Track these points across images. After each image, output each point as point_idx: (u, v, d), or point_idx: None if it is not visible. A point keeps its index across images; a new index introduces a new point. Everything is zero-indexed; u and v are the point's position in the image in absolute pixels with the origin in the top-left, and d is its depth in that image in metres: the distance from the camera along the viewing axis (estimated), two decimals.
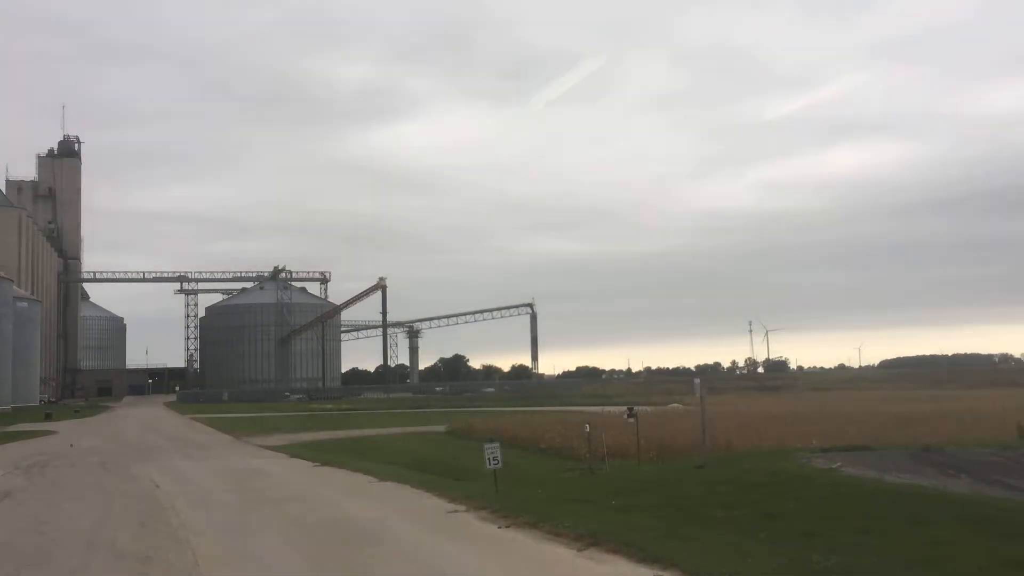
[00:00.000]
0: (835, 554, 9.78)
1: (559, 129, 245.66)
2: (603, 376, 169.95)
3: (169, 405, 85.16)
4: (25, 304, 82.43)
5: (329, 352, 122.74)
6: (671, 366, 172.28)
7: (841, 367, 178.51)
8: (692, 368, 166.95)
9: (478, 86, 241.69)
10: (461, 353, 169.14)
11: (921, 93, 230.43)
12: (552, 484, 18.34)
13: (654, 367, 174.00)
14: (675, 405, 53.53)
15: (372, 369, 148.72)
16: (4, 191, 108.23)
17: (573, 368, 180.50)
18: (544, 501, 15.11)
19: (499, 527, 13.07)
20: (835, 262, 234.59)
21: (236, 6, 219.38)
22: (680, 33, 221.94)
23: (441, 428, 40.25)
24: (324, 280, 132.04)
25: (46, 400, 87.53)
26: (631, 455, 22.87)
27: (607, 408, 47.25)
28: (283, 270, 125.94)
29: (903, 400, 55.04)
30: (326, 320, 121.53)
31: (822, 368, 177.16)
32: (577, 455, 24.55)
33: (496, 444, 17.02)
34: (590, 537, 11.59)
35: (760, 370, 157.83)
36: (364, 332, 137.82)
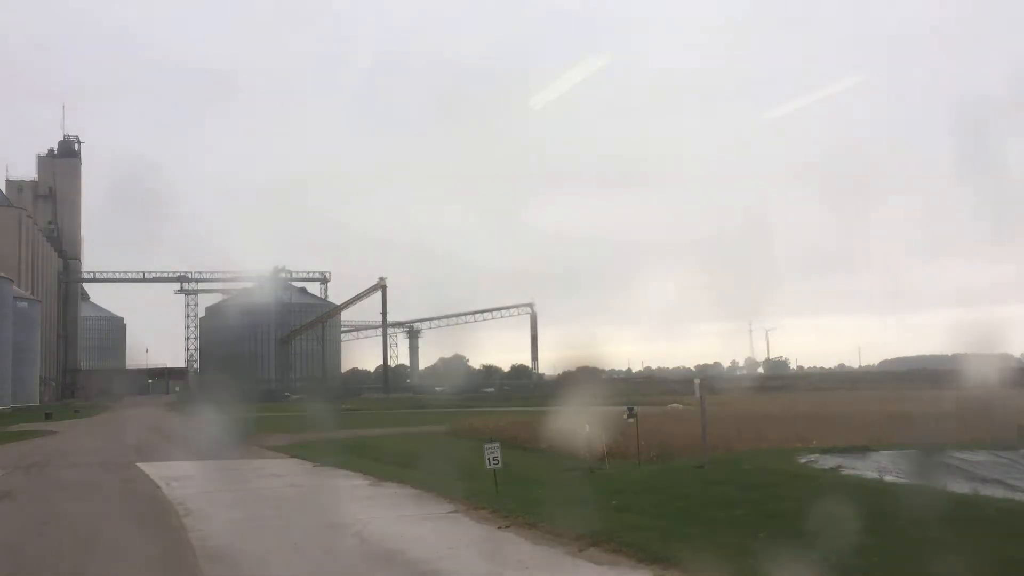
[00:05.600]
0: (835, 554, 9.78)
1: None
2: (603, 376, 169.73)
3: (169, 405, 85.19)
4: (25, 304, 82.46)
5: (329, 352, 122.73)
6: (671, 366, 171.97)
7: (841, 367, 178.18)
8: (692, 368, 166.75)
9: None
10: (461, 353, 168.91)
11: None
12: (552, 484, 18.34)
13: (654, 367, 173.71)
14: (675, 405, 53.50)
15: (372, 369, 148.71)
16: (4, 191, 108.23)
17: (573, 368, 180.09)
18: (544, 501, 15.11)
19: (499, 527, 13.07)
20: None
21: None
22: None
23: (441, 428, 40.22)
24: (324, 280, 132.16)
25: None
26: (631, 455, 22.87)
27: (607, 408, 47.18)
28: (283, 270, 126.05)
29: (903, 400, 54.95)
30: (326, 320, 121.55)
31: (822, 368, 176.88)
32: (577, 455, 24.55)
33: (496, 444, 17.01)
34: (590, 537, 11.58)
35: (760, 370, 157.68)
36: (364, 332, 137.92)
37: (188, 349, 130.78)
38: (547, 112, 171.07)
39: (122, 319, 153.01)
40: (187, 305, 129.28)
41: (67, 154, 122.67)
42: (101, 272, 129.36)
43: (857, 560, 9.65)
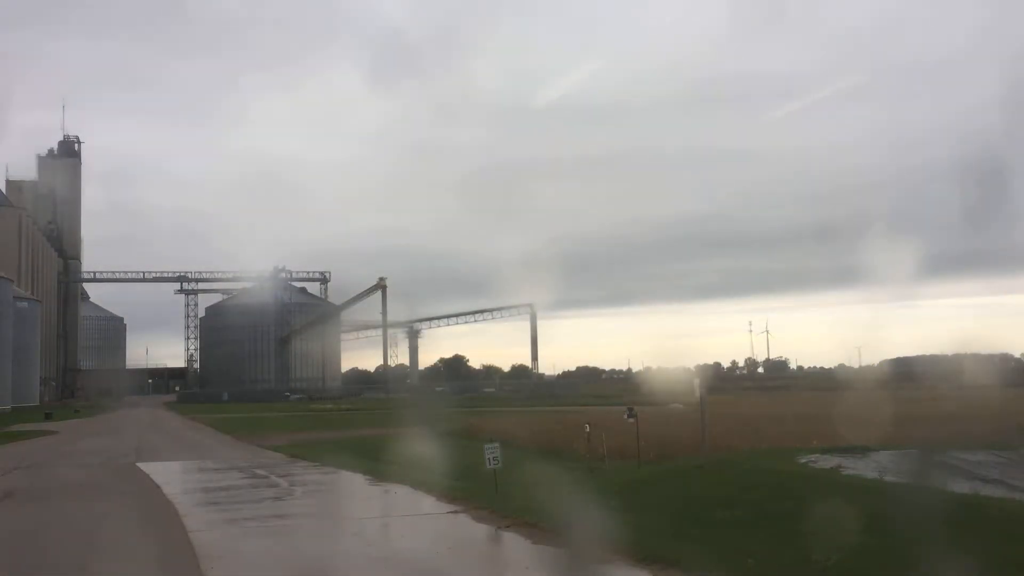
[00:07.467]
0: (835, 554, 9.78)
1: None
2: (603, 376, 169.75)
3: (169, 405, 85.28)
4: (25, 304, 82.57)
5: (329, 352, 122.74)
6: (671, 366, 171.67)
7: (842, 367, 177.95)
8: (692, 368, 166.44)
9: None
10: (461, 353, 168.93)
11: None
12: (552, 484, 18.33)
13: (654, 367, 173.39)
14: (675, 405, 53.43)
15: (372, 369, 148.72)
16: (4, 191, 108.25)
17: (573, 368, 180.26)
18: (544, 501, 15.10)
19: (499, 527, 13.09)
20: None
21: None
22: None
23: (441, 428, 40.19)
24: (324, 280, 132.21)
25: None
26: (631, 455, 22.85)
27: (607, 408, 47.25)
28: (283, 270, 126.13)
29: (903, 400, 54.91)
30: (326, 320, 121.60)
31: (822, 368, 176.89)
32: (577, 455, 24.54)
33: (496, 444, 17.03)
34: (590, 537, 11.59)
35: (760, 370, 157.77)
36: (364, 332, 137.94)
37: (188, 349, 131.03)
38: (549, 109, 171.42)
39: (122, 319, 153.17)
40: (187, 305, 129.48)
41: (67, 154, 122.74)
42: (101, 272, 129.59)
43: (857, 560, 9.65)
